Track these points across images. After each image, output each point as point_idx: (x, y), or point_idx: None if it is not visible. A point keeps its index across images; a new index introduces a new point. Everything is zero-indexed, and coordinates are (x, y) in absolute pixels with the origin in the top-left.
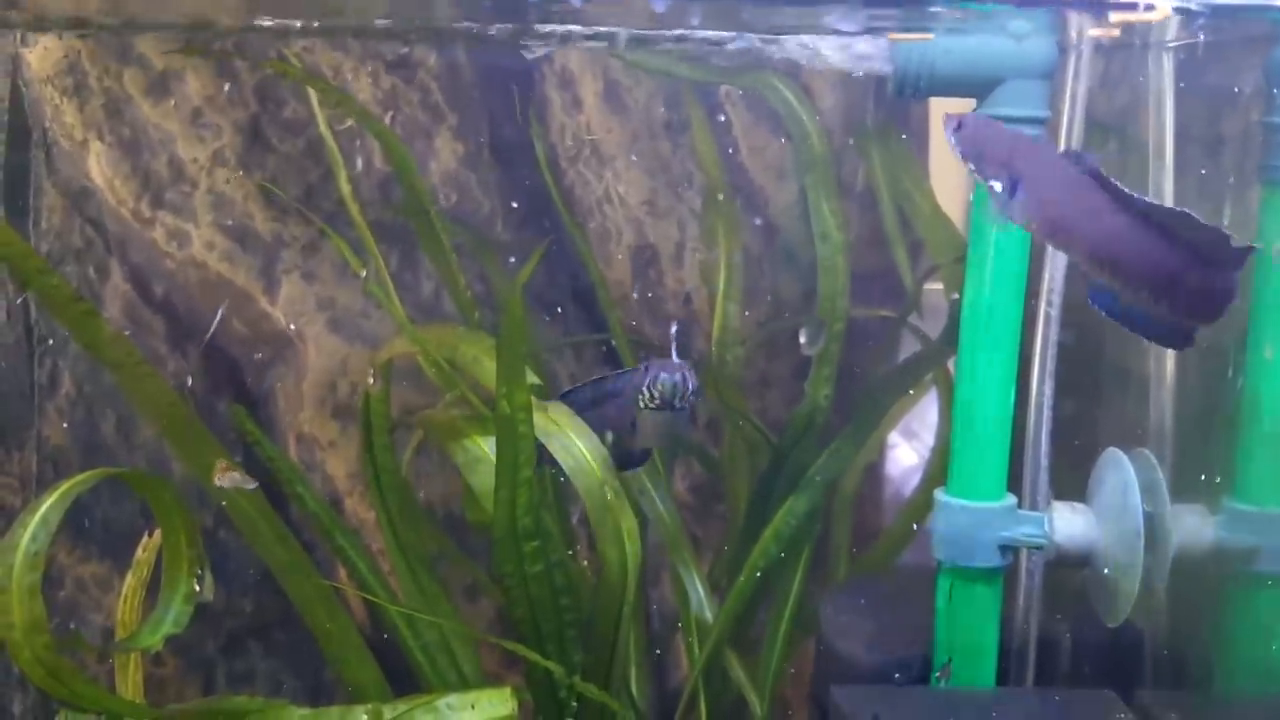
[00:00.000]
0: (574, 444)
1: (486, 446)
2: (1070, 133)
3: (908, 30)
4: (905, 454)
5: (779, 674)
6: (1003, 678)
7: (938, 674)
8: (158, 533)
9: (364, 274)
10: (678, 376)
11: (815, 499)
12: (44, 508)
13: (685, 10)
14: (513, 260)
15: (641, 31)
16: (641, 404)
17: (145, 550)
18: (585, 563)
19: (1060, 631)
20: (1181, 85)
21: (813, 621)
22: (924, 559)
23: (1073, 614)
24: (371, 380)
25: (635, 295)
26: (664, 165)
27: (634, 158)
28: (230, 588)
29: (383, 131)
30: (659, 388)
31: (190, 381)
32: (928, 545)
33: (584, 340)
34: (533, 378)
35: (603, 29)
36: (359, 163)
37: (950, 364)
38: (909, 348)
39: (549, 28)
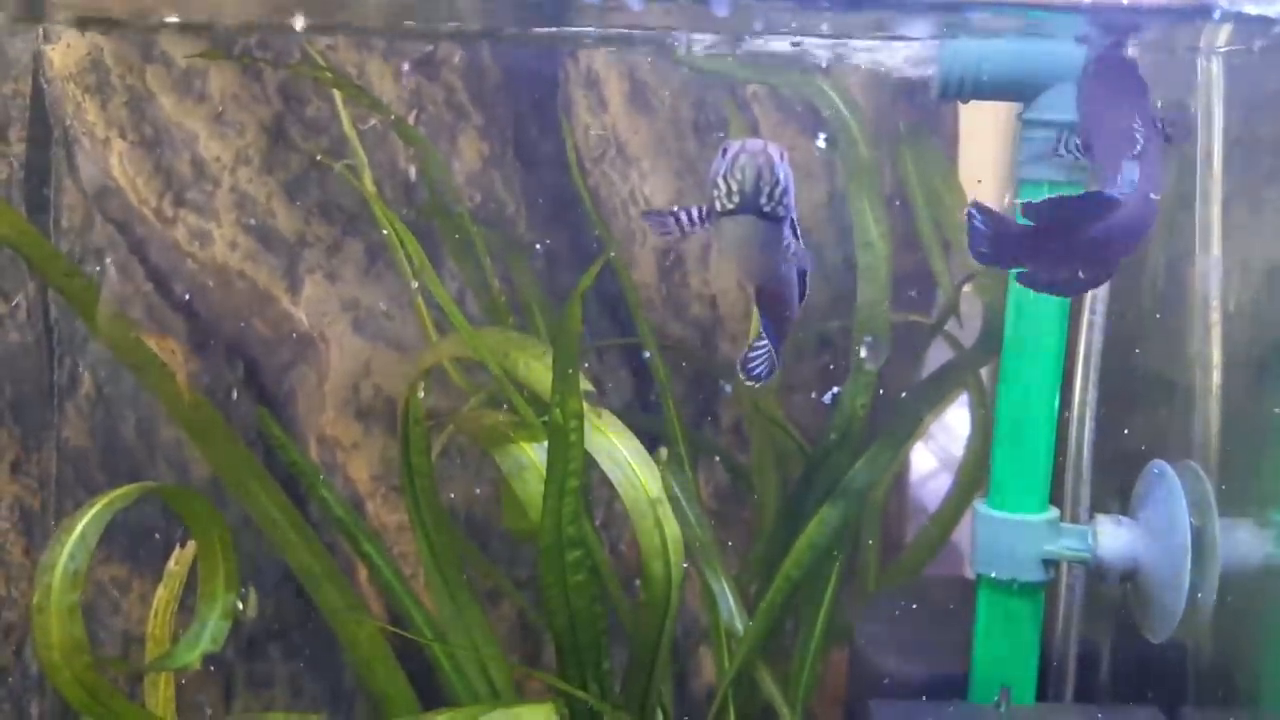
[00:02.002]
0: (620, 453)
1: (533, 453)
2: None
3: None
4: (923, 457)
5: (810, 686)
6: (1043, 694)
7: (997, 701)
8: (190, 545)
9: (414, 285)
10: (761, 159)
11: (850, 509)
12: (82, 524)
13: (750, 13)
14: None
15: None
16: (718, 205)
17: (177, 563)
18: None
19: (1102, 647)
20: (1230, 90)
21: (845, 633)
22: (953, 569)
23: (1115, 629)
24: (421, 392)
25: (660, 297)
26: (690, 166)
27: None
28: (249, 591)
29: (410, 132)
30: (737, 175)
31: (209, 381)
32: (954, 555)
33: (613, 344)
34: (585, 384)
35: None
36: (382, 162)
37: (983, 371)
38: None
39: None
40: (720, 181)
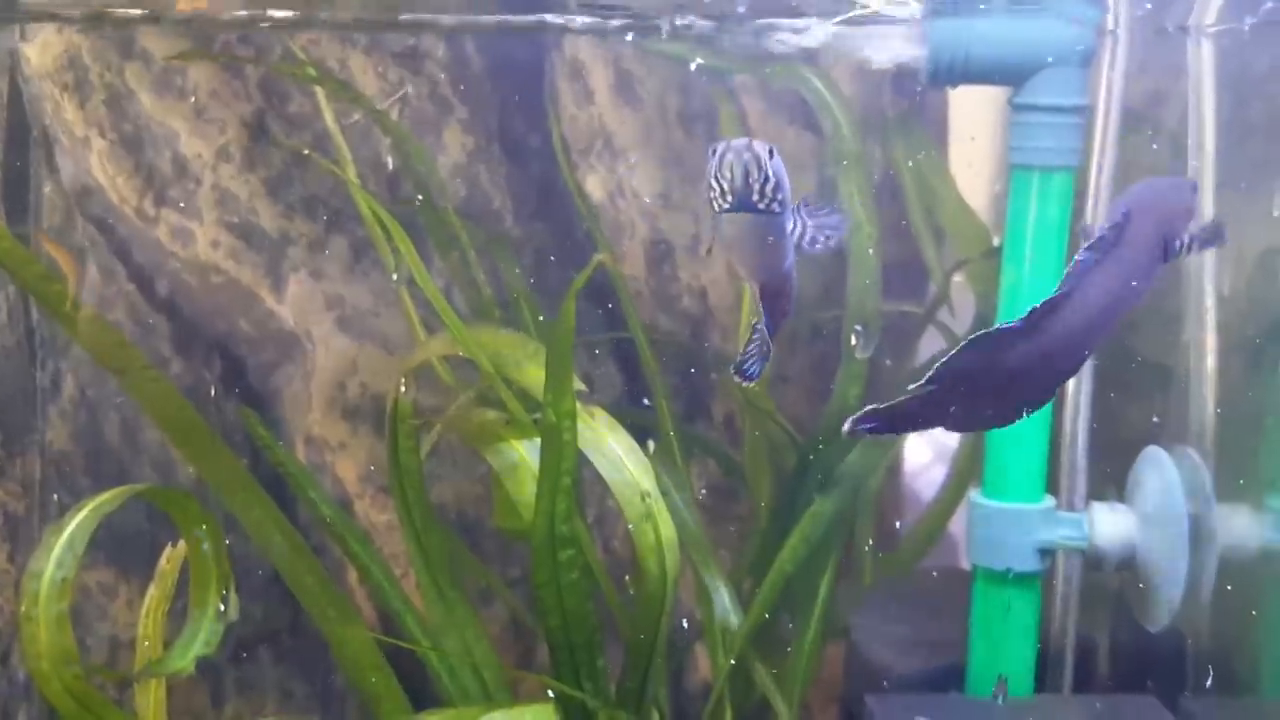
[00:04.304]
0: (613, 451)
1: (524, 451)
2: (1106, 122)
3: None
4: (917, 448)
5: (806, 680)
6: (1040, 685)
7: (995, 691)
8: (181, 544)
9: (394, 276)
10: (746, 156)
11: (844, 501)
12: (69, 531)
13: None
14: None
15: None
16: (714, 205)
17: (169, 562)
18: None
19: (1100, 637)
20: (1221, 71)
21: (841, 627)
22: (949, 560)
23: (1113, 618)
24: (404, 389)
25: (650, 290)
26: (678, 157)
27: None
28: (239, 594)
29: (394, 126)
30: (725, 174)
31: (194, 382)
32: (951, 545)
33: (603, 339)
34: (577, 383)
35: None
36: (366, 157)
37: None
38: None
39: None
40: (713, 182)
